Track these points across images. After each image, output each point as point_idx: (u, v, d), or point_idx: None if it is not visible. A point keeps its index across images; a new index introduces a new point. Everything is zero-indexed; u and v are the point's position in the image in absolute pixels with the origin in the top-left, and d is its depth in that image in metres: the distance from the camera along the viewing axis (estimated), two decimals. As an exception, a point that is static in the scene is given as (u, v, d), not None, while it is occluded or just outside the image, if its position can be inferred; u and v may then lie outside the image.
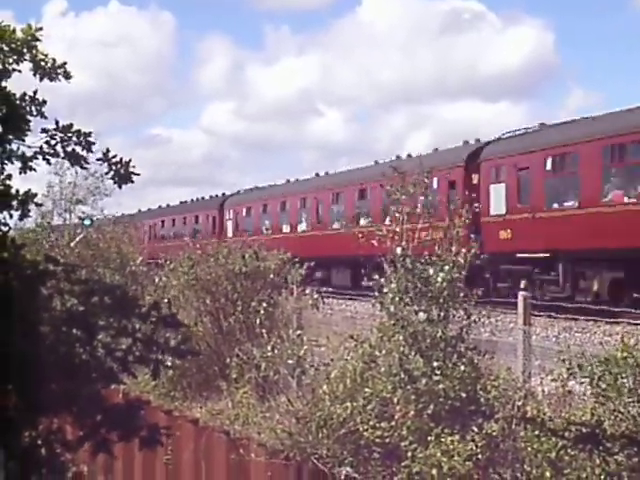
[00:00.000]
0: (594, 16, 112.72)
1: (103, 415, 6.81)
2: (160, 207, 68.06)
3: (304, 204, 43.40)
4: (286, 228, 44.24)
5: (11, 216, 7.45)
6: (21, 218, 7.71)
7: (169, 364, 8.00)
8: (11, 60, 7.49)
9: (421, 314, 11.67)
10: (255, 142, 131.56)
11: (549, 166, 27.45)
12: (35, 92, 7.53)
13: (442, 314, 11.76)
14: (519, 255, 28.02)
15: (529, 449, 10.19)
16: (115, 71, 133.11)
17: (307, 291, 16.39)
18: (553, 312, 18.82)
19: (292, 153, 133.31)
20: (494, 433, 10.54)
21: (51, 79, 7.66)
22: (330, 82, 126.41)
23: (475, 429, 10.63)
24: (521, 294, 12.54)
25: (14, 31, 7.43)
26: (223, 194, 56.10)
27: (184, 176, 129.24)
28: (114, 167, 7.65)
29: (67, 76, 7.74)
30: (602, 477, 9.67)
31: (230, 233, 46.81)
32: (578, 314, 18.93)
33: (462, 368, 11.24)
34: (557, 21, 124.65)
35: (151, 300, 14.67)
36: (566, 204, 26.85)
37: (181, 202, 64.31)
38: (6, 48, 7.43)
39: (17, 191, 7.45)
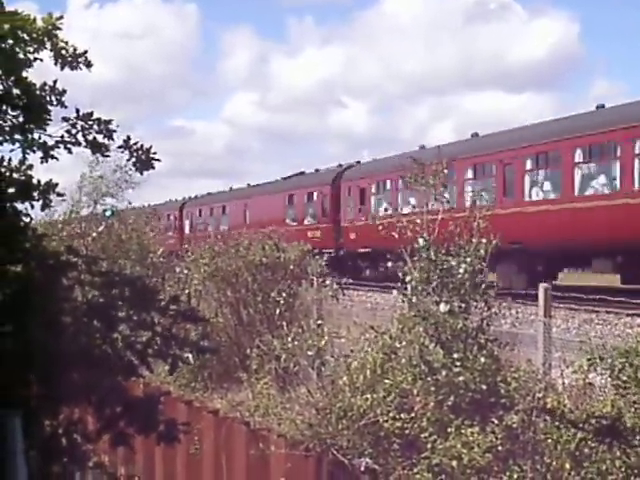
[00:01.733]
0: (619, 7, 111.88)
1: (122, 408, 6.85)
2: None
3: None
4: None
5: (32, 206, 7.49)
6: (42, 208, 7.74)
7: (189, 358, 8.02)
8: (32, 49, 7.52)
9: (442, 305, 11.65)
10: (278, 133, 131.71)
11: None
12: (55, 81, 7.56)
13: (463, 305, 11.75)
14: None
15: (549, 441, 10.17)
16: (139, 63, 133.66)
17: (327, 282, 16.40)
18: (574, 304, 18.75)
19: (315, 144, 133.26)
20: (514, 425, 10.51)
21: (72, 68, 7.69)
22: (353, 73, 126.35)
23: (495, 421, 10.61)
24: (542, 286, 12.48)
25: (34, 20, 7.45)
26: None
27: (207, 168, 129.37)
28: (135, 154, 7.69)
29: (88, 64, 7.76)
30: (622, 469, 9.65)
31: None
32: (599, 306, 18.89)
33: (482, 360, 11.21)
34: (582, 12, 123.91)
35: (172, 292, 14.74)
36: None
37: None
38: (27, 37, 7.46)
39: (38, 181, 7.48)
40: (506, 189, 29.87)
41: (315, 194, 43.19)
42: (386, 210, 36.32)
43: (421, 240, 12.29)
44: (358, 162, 43.00)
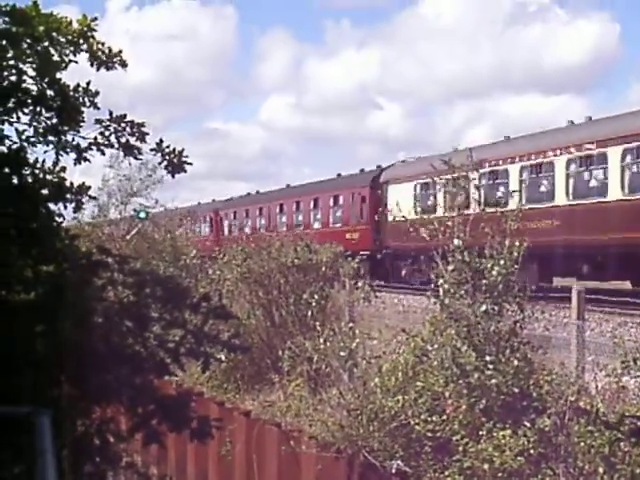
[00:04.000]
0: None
1: (155, 406, 6.86)
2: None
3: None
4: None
5: (65, 207, 7.54)
6: (75, 210, 7.79)
7: (222, 357, 8.02)
8: (67, 51, 7.58)
9: (483, 306, 11.60)
10: (312, 136, 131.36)
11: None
12: (88, 83, 7.60)
13: (496, 308, 11.69)
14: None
15: (582, 444, 10.09)
16: (176, 65, 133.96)
17: (359, 284, 16.38)
18: (608, 307, 18.59)
19: (350, 147, 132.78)
20: (546, 428, 10.45)
21: (107, 68, 7.73)
22: (389, 76, 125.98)
23: (527, 424, 10.55)
24: (575, 288, 12.40)
25: (70, 22, 7.51)
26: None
27: (241, 170, 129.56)
28: (167, 157, 7.72)
29: (123, 64, 7.79)
30: (656, 473, 9.57)
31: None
32: (636, 309, 18.72)
33: (515, 363, 11.16)
34: (623, 13, 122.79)
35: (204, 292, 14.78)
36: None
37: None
38: (63, 40, 7.51)
39: (71, 183, 7.53)
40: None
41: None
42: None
43: (456, 241, 12.26)
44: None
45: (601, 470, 9.80)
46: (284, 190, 51.76)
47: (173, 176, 7.88)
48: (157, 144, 7.74)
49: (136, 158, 7.90)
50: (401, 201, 37.43)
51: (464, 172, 14.05)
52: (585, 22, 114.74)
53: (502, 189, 29.76)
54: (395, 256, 36.89)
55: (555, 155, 27.54)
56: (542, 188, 28.30)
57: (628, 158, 24.50)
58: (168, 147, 7.74)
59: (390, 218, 38.34)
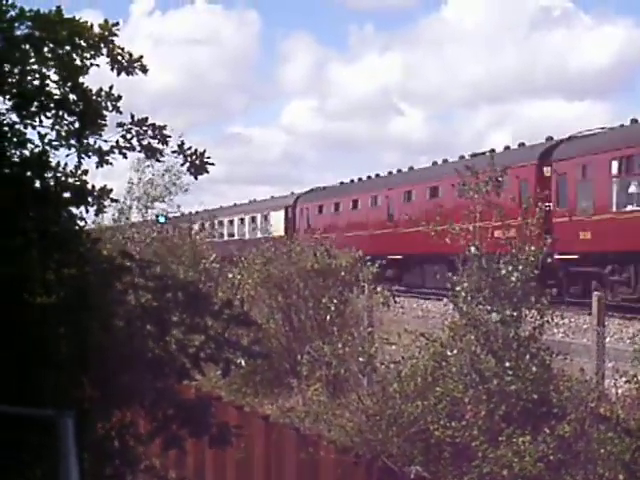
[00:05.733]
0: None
1: (175, 410, 6.89)
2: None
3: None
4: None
5: (87, 211, 7.58)
6: (97, 213, 7.84)
7: (242, 363, 8.02)
8: (88, 55, 7.62)
9: (494, 314, 11.58)
10: (335, 140, 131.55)
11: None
12: (111, 87, 7.65)
13: (515, 314, 11.66)
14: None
15: (602, 451, 10.06)
16: (198, 69, 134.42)
17: (378, 289, 16.36)
18: (628, 314, 18.54)
19: (371, 151, 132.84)
20: (566, 434, 10.42)
21: (128, 73, 7.78)
22: (412, 80, 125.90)
23: (547, 430, 10.52)
24: (596, 294, 12.36)
25: (92, 27, 7.56)
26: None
27: (263, 174, 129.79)
28: (189, 159, 7.76)
29: (144, 69, 7.84)
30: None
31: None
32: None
33: (534, 369, 11.13)
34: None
35: (224, 297, 14.81)
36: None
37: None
38: (84, 44, 7.56)
39: (93, 186, 7.57)
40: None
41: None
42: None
43: (473, 248, 12.21)
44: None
45: (622, 477, 9.77)
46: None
47: (196, 177, 7.92)
48: (179, 146, 7.79)
49: (158, 160, 7.95)
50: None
51: None
52: (609, 27, 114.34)
53: None
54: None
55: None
56: None
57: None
58: (189, 149, 7.79)
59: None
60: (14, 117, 7.43)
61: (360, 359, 13.44)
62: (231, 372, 7.39)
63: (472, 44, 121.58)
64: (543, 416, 10.84)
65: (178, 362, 6.89)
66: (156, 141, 7.69)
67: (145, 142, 7.69)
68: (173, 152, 7.77)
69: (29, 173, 7.21)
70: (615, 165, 26.82)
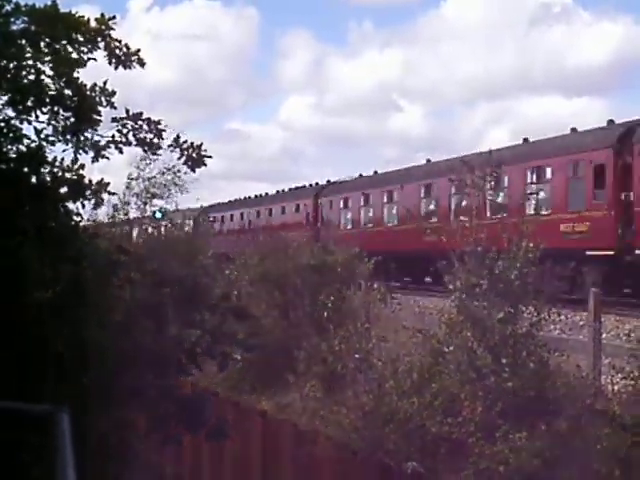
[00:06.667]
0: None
1: (172, 406, 6.89)
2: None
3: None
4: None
5: (84, 206, 7.57)
6: (95, 207, 7.84)
7: (238, 357, 8.03)
8: (85, 49, 7.61)
9: (501, 314, 11.57)
10: (333, 137, 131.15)
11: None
12: (105, 82, 7.64)
13: (512, 310, 11.66)
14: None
15: (598, 446, 10.05)
16: (196, 65, 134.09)
17: (375, 285, 16.35)
18: (624, 309, 18.53)
19: (370, 148, 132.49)
20: (562, 430, 10.42)
21: (125, 67, 7.77)
22: (411, 76, 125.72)
23: (543, 426, 10.52)
24: (592, 290, 12.35)
25: (88, 21, 7.55)
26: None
27: (261, 170, 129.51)
28: (186, 152, 7.76)
29: (141, 63, 7.83)
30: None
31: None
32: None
33: (531, 365, 11.13)
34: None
35: (220, 294, 14.78)
36: None
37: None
38: (81, 38, 7.55)
39: (90, 181, 7.56)
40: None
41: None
42: None
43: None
44: None
45: (617, 472, 9.76)
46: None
47: (194, 170, 7.93)
48: (174, 140, 7.80)
49: (154, 154, 7.95)
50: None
51: None
52: (608, 24, 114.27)
53: None
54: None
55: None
56: None
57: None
58: (185, 142, 7.78)
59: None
60: (10, 112, 7.42)
61: (356, 355, 13.42)
62: (228, 366, 7.39)
63: (471, 41, 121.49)
64: (539, 412, 10.84)
65: (175, 357, 6.89)
66: (152, 135, 7.68)
67: (141, 136, 7.69)
68: (169, 146, 7.77)
69: (26, 169, 7.19)
70: None
